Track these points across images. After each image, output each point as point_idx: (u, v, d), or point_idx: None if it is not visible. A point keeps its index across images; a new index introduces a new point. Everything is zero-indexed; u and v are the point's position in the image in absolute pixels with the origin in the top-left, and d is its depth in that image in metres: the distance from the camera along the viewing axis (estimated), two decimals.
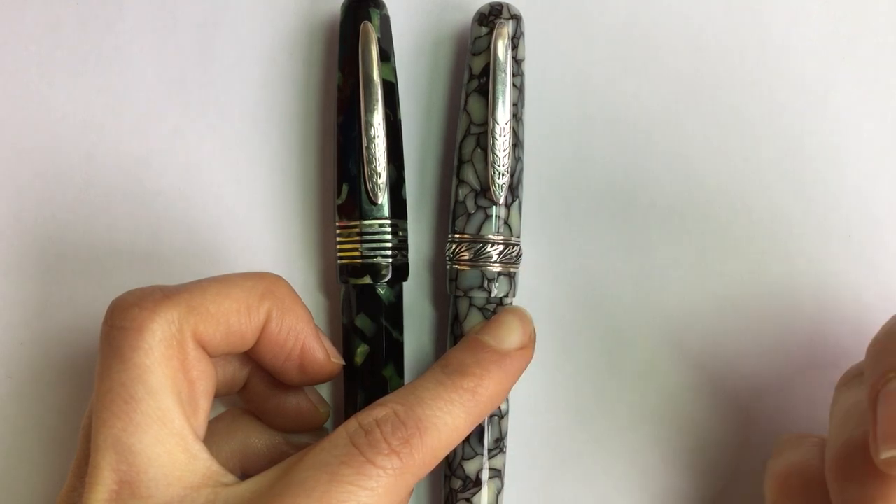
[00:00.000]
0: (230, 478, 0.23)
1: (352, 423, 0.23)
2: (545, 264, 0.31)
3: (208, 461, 0.23)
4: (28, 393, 0.31)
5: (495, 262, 0.29)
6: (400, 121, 0.30)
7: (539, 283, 0.31)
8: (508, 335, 0.27)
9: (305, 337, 0.26)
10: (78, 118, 0.32)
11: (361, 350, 0.29)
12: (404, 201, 0.30)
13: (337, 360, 0.28)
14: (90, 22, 0.32)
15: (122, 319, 0.23)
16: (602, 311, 0.31)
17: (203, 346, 0.24)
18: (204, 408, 0.25)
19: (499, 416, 0.29)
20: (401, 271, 0.29)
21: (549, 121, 0.31)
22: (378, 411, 0.23)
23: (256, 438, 0.29)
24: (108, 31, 0.32)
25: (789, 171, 0.31)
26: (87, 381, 0.31)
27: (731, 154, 0.31)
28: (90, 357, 0.31)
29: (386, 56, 0.29)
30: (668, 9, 0.31)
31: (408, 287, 0.31)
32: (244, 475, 0.28)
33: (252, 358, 0.27)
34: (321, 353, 0.27)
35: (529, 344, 0.27)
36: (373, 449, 0.22)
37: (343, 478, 0.22)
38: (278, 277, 0.26)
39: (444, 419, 0.24)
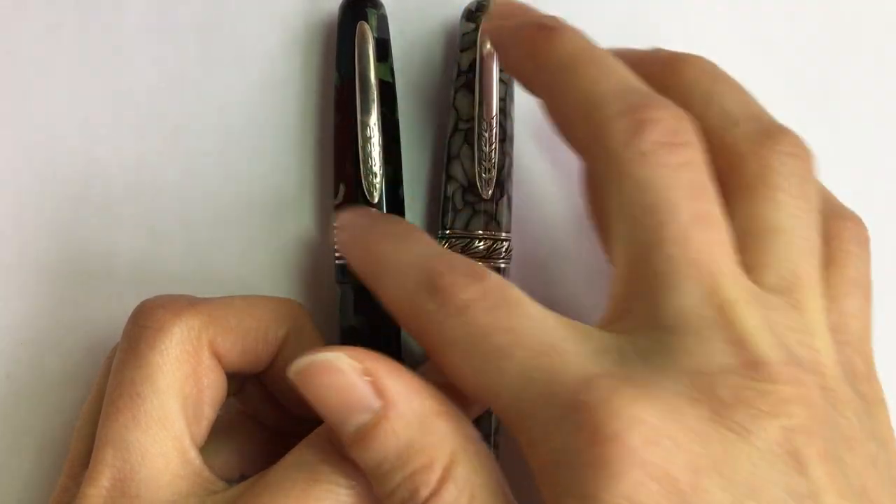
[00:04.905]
0: (220, 485, 0.23)
1: None
2: (544, 262, 0.31)
3: (201, 468, 0.23)
4: (28, 393, 0.31)
5: (483, 257, 0.29)
6: (398, 121, 0.30)
7: (536, 282, 0.31)
8: None
9: None
10: (78, 118, 0.32)
11: None
12: (402, 201, 0.30)
13: None
14: (90, 22, 0.32)
15: (145, 319, 0.24)
16: (601, 311, 0.31)
17: (218, 358, 0.25)
18: (208, 416, 0.25)
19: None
20: None
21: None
22: None
23: (255, 440, 0.29)
24: (108, 31, 0.32)
25: None
26: (86, 380, 0.31)
27: None
28: (89, 357, 0.31)
29: (383, 56, 0.29)
30: (668, 9, 0.31)
31: None
32: (242, 476, 0.28)
33: (264, 383, 0.27)
34: None
35: None
36: None
37: (321, 476, 0.21)
38: (300, 306, 0.27)
39: None
